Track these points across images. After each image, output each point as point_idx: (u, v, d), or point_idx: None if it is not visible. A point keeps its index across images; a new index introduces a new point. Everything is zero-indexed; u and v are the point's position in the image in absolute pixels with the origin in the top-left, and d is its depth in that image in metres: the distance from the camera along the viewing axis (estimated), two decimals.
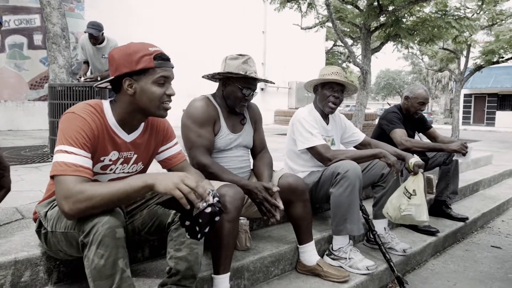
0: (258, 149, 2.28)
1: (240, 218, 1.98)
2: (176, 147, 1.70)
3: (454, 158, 3.26)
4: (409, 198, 2.40)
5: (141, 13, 9.02)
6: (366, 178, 2.59)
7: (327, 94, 2.52)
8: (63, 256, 1.45)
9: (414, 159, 2.46)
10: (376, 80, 46.59)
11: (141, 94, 1.41)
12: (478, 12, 10.50)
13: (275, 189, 1.87)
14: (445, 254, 3.05)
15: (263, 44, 12.15)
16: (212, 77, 2.12)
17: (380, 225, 2.60)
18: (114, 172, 1.51)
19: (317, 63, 13.36)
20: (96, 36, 4.86)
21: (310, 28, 9.00)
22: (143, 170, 1.64)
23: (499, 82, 25.47)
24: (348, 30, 9.64)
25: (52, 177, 1.27)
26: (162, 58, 1.41)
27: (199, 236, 1.30)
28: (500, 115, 26.41)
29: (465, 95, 26.79)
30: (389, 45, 9.36)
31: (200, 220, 1.27)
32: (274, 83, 2.43)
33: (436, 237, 3.00)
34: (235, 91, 2.06)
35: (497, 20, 11.50)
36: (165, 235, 1.52)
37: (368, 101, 8.37)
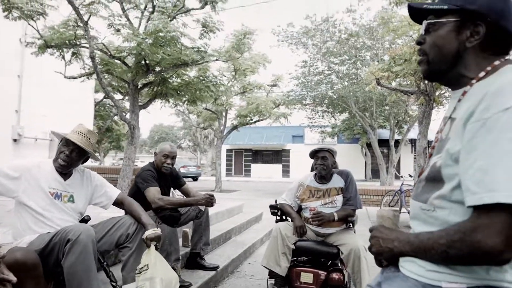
0: None
1: None
2: None
3: None
4: (140, 273, 2.31)
5: None
6: (110, 241, 2.46)
7: (61, 149, 2.47)
8: None
9: (148, 232, 2.38)
10: (150, 134, 47.70)
11: None
12: (233, 80, 12.46)
13: (3, 251, 1.63)
14: None
15: (18, 90, 10.65)
16: None
17: None
18: None
19: (85, 114, 12.64)
20: None
21: (75, 78, 8.51)
22: None
23: (252, 139, 30.68)
24: (117, 84, 9.61)
25: None
26: None
27: None
28: (254, 167, 31.55)
29: (227, 150, 30.97)
30: (158, 102, 9.84)
31: None
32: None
33: None
34: None
35: (247, 89, 14.01)
36: None
37: (142, 154, 8.43)
